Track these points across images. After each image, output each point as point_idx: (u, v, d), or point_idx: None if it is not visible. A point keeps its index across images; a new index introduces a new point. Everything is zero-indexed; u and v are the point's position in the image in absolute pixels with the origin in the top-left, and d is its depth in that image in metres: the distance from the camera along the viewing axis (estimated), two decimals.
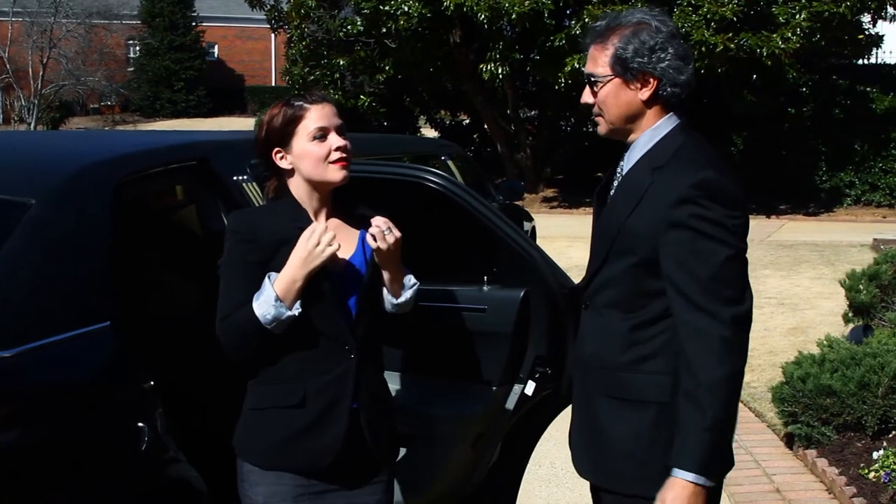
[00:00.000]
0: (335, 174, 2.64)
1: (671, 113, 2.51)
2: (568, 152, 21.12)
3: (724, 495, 2.74)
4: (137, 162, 3.35)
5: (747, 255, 2.43)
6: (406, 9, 17.23)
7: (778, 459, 5.51)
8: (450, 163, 8.41)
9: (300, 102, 2.64)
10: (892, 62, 20.80)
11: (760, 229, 14.59)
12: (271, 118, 2.65)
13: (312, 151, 2.62)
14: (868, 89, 18.93)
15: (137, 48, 40.64)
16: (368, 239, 2.63)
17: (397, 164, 3.49)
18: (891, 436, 5.24)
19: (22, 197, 2.87)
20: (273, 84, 41.52)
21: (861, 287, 7.32)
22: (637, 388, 2.46)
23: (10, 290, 2.65)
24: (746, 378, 7.00)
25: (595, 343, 2.56)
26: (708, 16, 15.98)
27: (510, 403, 3.43)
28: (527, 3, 16.24)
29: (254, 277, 2.56)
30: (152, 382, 2.89)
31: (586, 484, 2.70)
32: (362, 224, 2.72)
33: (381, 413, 2.74)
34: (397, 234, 2.64)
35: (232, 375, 2.78)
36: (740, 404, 6.30)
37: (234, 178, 3.55)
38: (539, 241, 7.69)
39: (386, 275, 2.70)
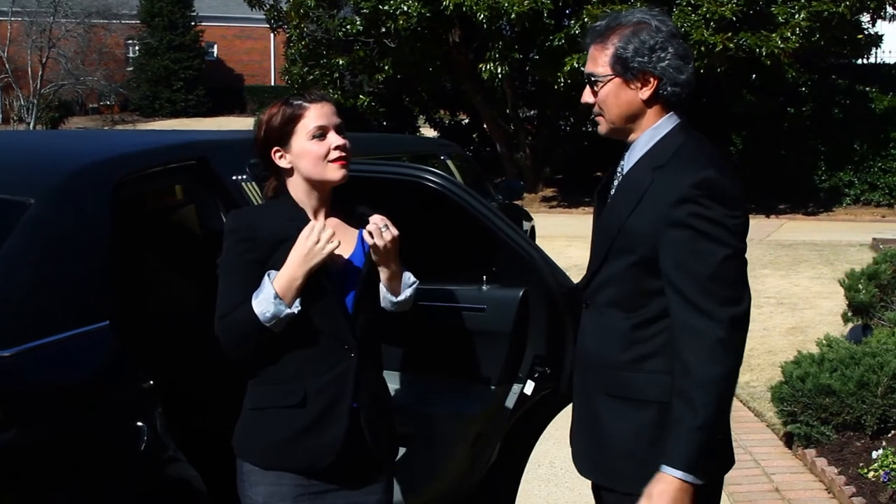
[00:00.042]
0: (334, 173, 2.64)
1: (671, 112, 2.51)
2: (567, 152, 21.13)
3: (723, 494, 2.74)
4: (137, 161, 3.35)
5: (747, 255, 2.43)
6: (405, 8, 17.23)
7: (777, 459, 5.51)
8: (449, 162, 8.42)
9: (299, 101, 2.64)
10: (892, 62, 20.80)
11: (760, 229, 14.59)
12: (270, 117, 2.65)
13: (311, 150, 2.62)
14: (867, 89, 18.94)
15: (136, 48, 40.63)
16: (365, 235, 2.64)
17: (397, 164, 3.49)
18: (890, 435, 5.24)
19: (21, 196, 2.87)
20: (272, 84, 41.51)
21: (860, 286, 7.32)
22: (638, 387, 2.46)
23: (10, 289, 2.65)
24: (746, 377, 7.07)
25: (595, 342, 2.56)
26: (707, 15, 15.98)
27: (509, 403, 3.43)
28: (526, 2, 16.24)
29: (253, 276, 2.56)
30: (151, 382, 2.88)
31: (586, 483, 2.70)
32: (361, 223, 2.72)
33: (381, 412, 2.74)
34: (394, 231, 2.64)
35: (231, 375, 2.78)
36: (740, 404, 6.38)
37: (234, 177, 3.54)
38: (538, 241, 7.70)
39: (384, 273, 2.70)
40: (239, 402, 2.70)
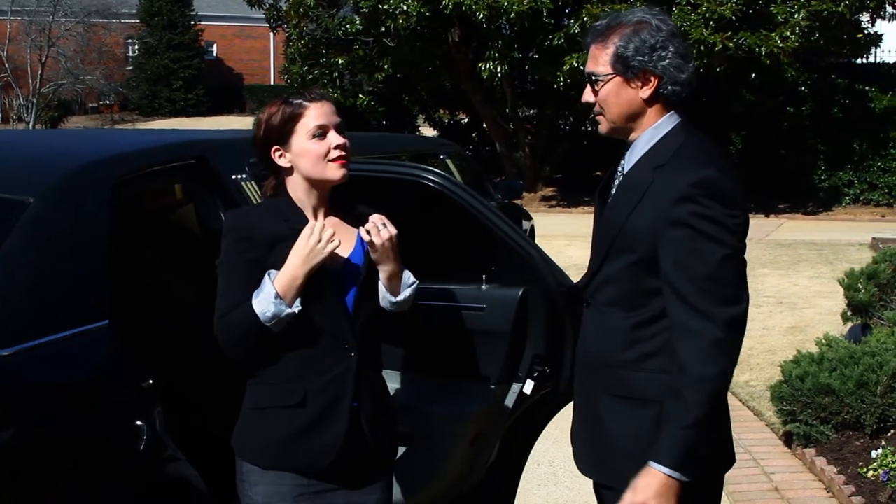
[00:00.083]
0: (334, 172, 2.64)
1: (672, 111, 2.51)
2: (567, 151, 21.13)
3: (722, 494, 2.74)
4: (136, 160, 3.35)
5: (746, 255, 2.43)
6: (405, 7, 17.24)
7: (776, 458, 5.51)
8: (448, 162, 8.42)
9: (299, 100, 2.64)
10: (891, 61, 20.80)
11: (759, 228, 14.59)
12: (270, 116, 2.64)
13: (312, 149, 2.62)
14: (867, 88, 18.94)
15: (136, 47, 40.61)
16: (362, 233, 2.63)
17: (396, 163, 3.48)
18: (889, 434, 5.24)
19: (20, 195, 2.86)
20: (272, 83, 41.50)
21: (860, 286, 7.32)
22: (639, 386, 2.46)
23: (9, 288, 2.65)
24: (745, 377, 7.07)
25: (596, 341, 2.57)
26: (707, 15, 15.99)
27: (509, 402, 3.43)
28: (525, 2, 16.25)
29: (252, 275, 2.56)
30: (151, 381, 2.88)
31: (585, 482, 2.70)
32: (361, 222, 2.72)
33: (381, 412, 2.74)
34: (392, 230, 2.64)
35: (231, 374, 2.78)
36: (739, 403, 6.38)
37: (233, 176, 3.54)
38: (538, 240, 7.70)
39: (383, 272, 2.70)
40: (238, 401, 2.69)
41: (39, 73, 34.20)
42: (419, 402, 3.41)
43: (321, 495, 2.65)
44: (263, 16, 21.97)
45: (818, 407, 5.32)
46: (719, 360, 2.32)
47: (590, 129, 20.54)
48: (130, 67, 40.55)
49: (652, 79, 2.46)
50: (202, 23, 40.62)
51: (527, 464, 3.69)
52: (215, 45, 43.57)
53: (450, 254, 3.42)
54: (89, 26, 36.06)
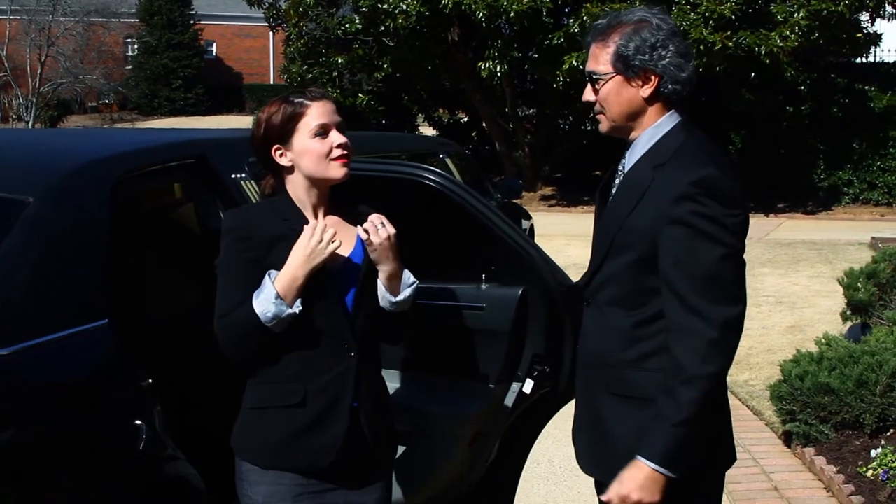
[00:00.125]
0: (337, 171, 2.64)
1: (672, 110, 2.52)
2: (566, 150, 21.13)
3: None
4: (135, 160, 3.35)
5: (745, 254, 2.43)
6: (404, 7, 17.24)
7: (776, 457, 5.51)
8: (448, 161, 8.41)
9: (300, 99, 2.63)
10: (891, 60, 20.80)
11: (759, 227, 14.60)
12: (270, 115, 2.63)
13: (314, 148, 2.61)
14: (866, 88, 18.94)
15: (135, 46, 40.59)
16: (360, 233, 2.63)
17: (395, 162, 3.48)
18: (889, 434, 5.24)
19: (20, 195, 2.86)
20: (271, 82, 41.49)
21: (859, 285, 7.32)
22: (639, 385, 2.46)
23: (8, 287, 2.65)
24: (745, 376, 7.07)
25: (597, 340, 2.57)
26: (706, 14, 15.99)
27: (508, 401, 3.43)
28: (525, 1, 16.25)
29: (251, 275, 2.55)
30: (150, 380, 2.88)
31: (585, 481, 2.70)
32: (360, 222, 2.71)
33: (381, 412, 2.74)
34: (391, 229, 2.63)
35: (230, 374, 2.77)
36: (738, 402, 6.38)
37: (233, 176, 3.54)
38: (537, 240, 7.70)
39: (383, 272, 2.69)
40: (238, 400, 2.69)
41: (39, 72, 34.19)
42: (419, 401, 3.41)
43: (321, 495, 2.65)
44: (263, 15, 21.96)
45: (817, 406, 5.32)
46: (714, 360, 2.33)
47: (589, 128, 20.55)
48: (130, 67, 40.54)
49: (652, 78, 2.46)
50: (201, 22, 40.59)
51: (526, 463, 3.69)
52: (215, 45, 43.56)
53: (449, 253, 3.42)
54: (89, 25, 36.05)
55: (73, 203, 2.94)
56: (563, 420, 3.28)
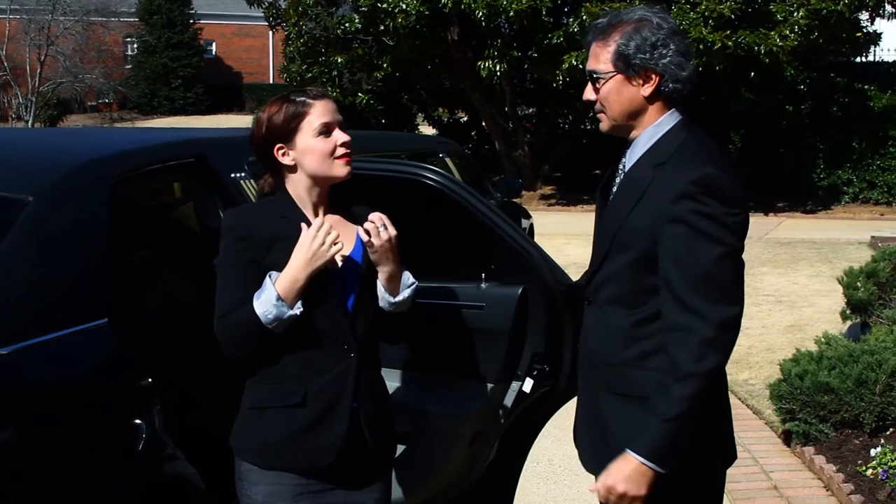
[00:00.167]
0: (340, 169, 2.64)
1: (673, 109, 2.52)
2: (566, 150, 21.13)
3: None
4: (135, 159, 3.35)
5: (745, 253, 2.43)
6: (404, 6, 17.23)
7: (775, 456, 5.51)
8: (448, 160, 8.41)
9: (303, 98, 2.63)
10: (890, 60, 20.79)
11: (758, 227, 14.60)
12: (272, 115, 2.62)
13: (318, 147, 2.61)
14: (866, 87, 18.94)
15: (135, 45, 40.59)
16: (361, 234, 2.62)
17: (395, 162, 3.48)
18: (888, 433, 5.24)
19: (19, 194, 2.86)
20: (271, 81, 41.50)
21: (859, 284, 7.33)
22: (639, 384, 2.47)
23: (8, 286, 2.64)
24: (744, 375, 7.07)
25: (598, 339, 2.57)
26: (706, 13, 15.99)
27: (508, 401, 3.43)
28: (524, 0, 16.24)
29: (251, 275, 2.55)
30: (150, 379, 2.88)
31: (584, 480, 2.71)
32: (360, 221, 2.71)
33: (381, 412, 2.74)
34: (392, 231, 2.63)
35: (230, 373, 2.78)
36: (738, 402, 6.38)
37: (232, 175, 3.54)
38: (537, 239, 7.70)
39: (382, 273, 2.69)
40: (237, 400, 2.69)
41: (38, 71, 34.21)
42: (419, 400, 3.41)
43: (320, 494, 2.65)
44: (262, 14, 21.93)
45: (817, 405, 5.32)
46: (708, 359, 2.33)
47: (589, 127, 20.56)
48: (129, 66, 40.54)
49: (653, 76, 2.46)
50: (201, 21, 40.61)
51: (526, 462, 3.69)
52: (214, 44, 43.56)
53: (449, 252, 3.42)
54: (88, 25, 36.06)
55: (73, 202, 2.93)
56: (563, 419, 3.28)
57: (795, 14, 16.26)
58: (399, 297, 2.72)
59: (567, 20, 17.57)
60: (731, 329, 2.37)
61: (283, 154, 2.63)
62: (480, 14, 16.52)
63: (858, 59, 20.28)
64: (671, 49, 2.45)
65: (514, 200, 11.26)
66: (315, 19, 19.32)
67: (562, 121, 21.70)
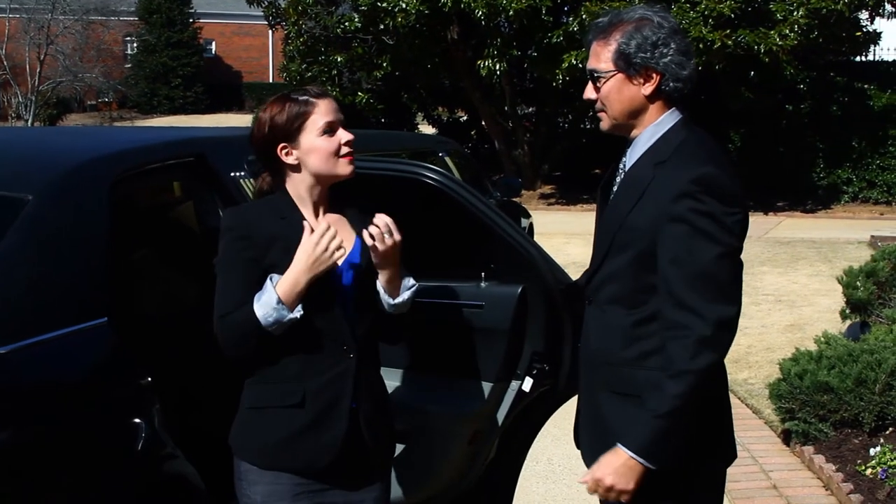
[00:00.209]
0: (345, 168, 2.64)
1: (673, 108, 2.52)
2: (565, 149, 21.13)
3: None
4: (135, 158, 3.34)
5: (745, 253, 2.43)
6: (403, 5, 17.22)
7: (775, 456, 5.51)
8: (447, 159, 8.40)
9: (305, 97, 2.62)
10: (890, 59, 20.78)
11: (758, 226, 14.58)
12: (275, 114, 2.61)
13: (322, 146, 2.60)
14: (866, 86, 18.93)
15: (135, 45, 40.57)
16: (366, 237, 2.61)
17: (395, 161, 3.48)
18: (888, 432, 5.24)
19: (19, 193, 2.86)
20: (271, 80, 41.47)
21: (858, 284, 7.33)
22: (640, 383, 2.47)
23: (7, 285, 2.64)
24: (744, 374, 7.07)
25: (598, 339, 2.57)
26: (706, 12, 15.98)
27: (507, 400, 3.43)
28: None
29: (250, 274, 2.55)
30: (149, 379, 2.88)
31: None
32: (359, 220, 2.71)
33: (380, 412, 2.74)
34: (397, 236, 2.62)
35: (229, 372, 2.77)
36: (738, 401, 6.38)
37: (232, 174, 3.54)
38: (536, 238, 7.70)
39: (383, 275, 2.68)
40: (237, 399, 2.69)
41: (38, 70, 34.21)
42: (418, 399, 3.41)
43: (319, 494, 2.65)
44: (262, 13, 21.92)
45: (817, 405, 5.32)
46: (703, 357, 2.33)
47: (588, 126, 20.55)
48: (129, 65, 40.53)
49: (654, 76, 2.46)
50: (201, 20, 40.60)
51: (525, 461, 3.69)
52: (214, 43, 43.55)
53: (449, 251, 3.42)
54: (88, 24, 36.07)
55: (73, 201, 2.93)
56: (563, 418, 3.28)
57: (795, 13, 16.25)
58: (399, 300, 2.71)
59: (567, 19, 17.57)
60: (728, 328, 2.37)
61: (287, 153, 2.62)
62: (480, 13, 16.52)
63: (858, 59, 20.27)
64: (672, 48, 2.45)
65: (514, 200, 11.25)
66: (315, 18, 19.32)
67: (561, 120, 21.70)
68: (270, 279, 2.52)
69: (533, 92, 21.44)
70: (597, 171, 20.36)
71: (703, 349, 2.32)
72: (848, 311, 7.45)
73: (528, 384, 3.39)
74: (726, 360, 2.59)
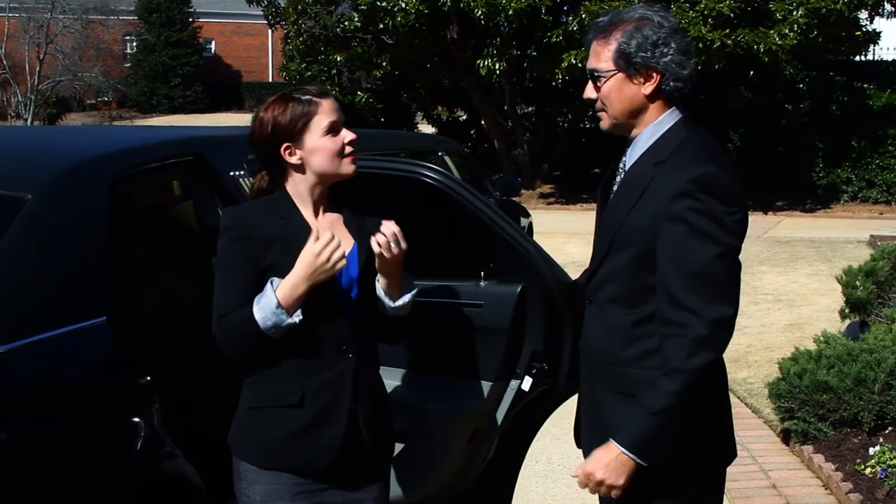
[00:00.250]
0: (348, 168, 2.64)
1: (673, 108, 2.52)
2: (565, 148, 21.13)
3: None
4: (134, 157, 3.34)
5: (744, 252, 2.43)
6: (403, 5, 17.22)
7: (774, 455, 5.51)
8: (447, 159, 8.40)
9: (308, 97, 2.61)
10: (889, 58, 20.79)
11: (757, 225, 14.58)
12: (278, 114, 2.59)
13: (327, 146, 2.60)
14: (865, 86, 18.93)
15: (134, 44, 40.58)
16: (373, 245, 2.60)
17: (394, 160, 3.48)
18: (887, 431, 5.24)
19: (18, 192, 2.86)
20: (270, 80, 41.47)
21: (857, 283, 7.33)
22: (640, 383, 2.46)
23: (6, 284, 2.64)
24: (743, 374, 7.07)
25: (598, 338, 2.57)
26: (705, 12, 15.98)
27: (507, 399, 3.43)
28: None
29: (250, 274, 2.55)
30: (148, 378, 2.88)
31: None
32: (358, 219, 2.71)
33: (379, 412, 2.73)
34: (404, 245, 2.61)
35: (229, 371, 2.77)
36: (737, 400, 6.38)
37: (231, 173, 3.54)
38: (536, 237, 7.70)
39: (385, 279, 2.67)
40: (236, 399, 2.69)
41: (37, 69, 34.20)
42: (417, 399, 3.41)
43: (318, 494, 2.65)
44: (261, 13, 21.92)
45: (816, 404, 5.32)
46: (699, 356, 2.33)
47: (588, 126, 20.56)
48: (128, 64, 40.54)
49: (654, 75, 2.46)
50: (200, 20, 40.59)
51: (525, 461, 3.69)
52: (213, 42, 43.54)
53: (448, 250, 3.42)
54: (87, 23, 36.06)
55: (72, 200, 2.93)
56: (562, 418, 3.28)
57: (795, 13, 16.25)
58: (399, 303, 2.71)
59: (566, 19, 17.58)
60: (725, 328, 2.37)
61: (290, 153, 2.61)
62: (479, 13, 16.52)
63: (857, 58, 20.28)
64: (672, 48, 2.45)
65: (514, 199, 11.26)
66: (314, 18, 19.32)
67: (561, 119, 21.70)
68: (271, 283, 2.51)
69: (532, 91, 21.44)
70: (596, 170, 20.37)
71: (699, 348, 2.32)
72: (847, 311, 7.45)
73: (527, 383, 3.39)
74: (726, 360, 2.60)
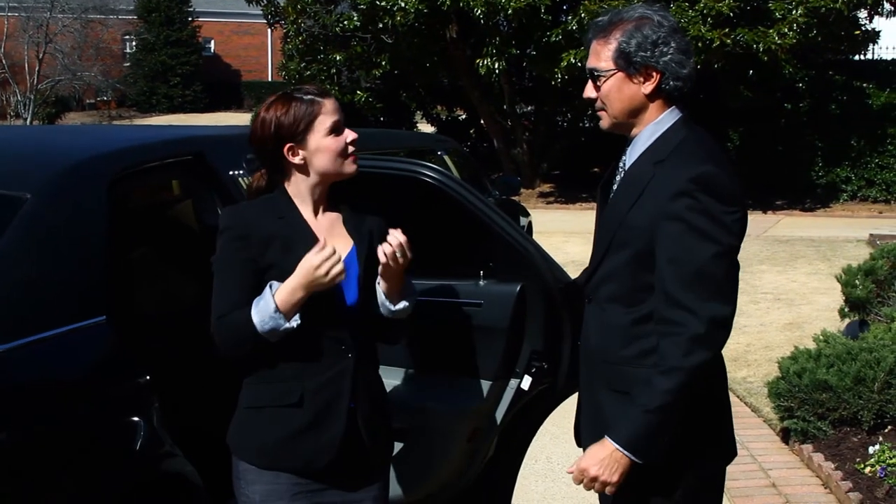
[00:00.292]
0: (350, 167, 2.64)
1: (673, 107, 2.52)
2: (564, 147, 21.14)
3: None
4: (133, 157, 3.34)
5: (743, 251, 2.43)
6: (402, 4, 17.22)
7: (774, 454, 5.51)
8: (446, 158, 8.40)
9: (311, 97, 2.60)
10: (889, 58, 20.79)
11: (757, 224, 14.58)
12: (280, 114, 2.58)
13: (331, 146, 2.59)
14: (864, 85, 18.93)
15: (134, 43, 40.56)
16: (380, 253, 2.59)
17: (394, 159, 3.48)
18: (886, 430, 5.25)
19: (18, 191, 2.86)
20: (269, 79, 41.46)
21: (857, 282, 7.33)
22: (639, 382, 2.46)
23: (5, 284, 2.64)
24: (743, 373, 7.07)
25: (598, 337, 2.58)
26: (704, 11, 15.98)
27: (506, 398, 3.43)
28: None
29: (248, 274, 2.54)
30: (148, 377, 2.88)
31: None
32: (357, 219, 2.71)
33: (378, 412, 2.73)
34: (409, 255, 2.61)
35: (228, 371, 2.77)
36: (737, 399, 6.39)
37: (231, 172, 3.54)
38: (535, 237, 7.70)
39: (386, 284, 2.67)
40: (235, 398, 2.69)
41: (37, 69, 34.20)
42: (417, 398, 3.41)
43: (318, 493, 2.64)
44: (261, 12, 21.92)
45: (815, 403, 5.32)
46: (696, 355, 2.33)
47: (587, 125, 20.55)
48: (128, 64, 40.52)
49: (654, 74, 2.46)
50: (200, 19, 40.58)
51: (524, 460, 3.69)
52: (213, 42, 43.53)
53: (447, 250, 3.42)
54: (87, 22, 36.05)
55: (71, 199, 2.93)
56: (561, 417, 3.28)
57: (794, 12, 16.25)
58: (399, 306, 2.70)
59: (566, 18, 17.56)
60: (722, 327, 2.37)
61: (293, 153, 2.60)
62: (479, 12, 16.52)
63: (857, 57, 20.29)
64: (672, 47, 2.45)
65: (513, 198, 11.25)
66: (314, 17, 19.32)
67: (560, 119, 21.70)
68: (270, 287, 2.51)
69: (532, 90, 21.43)
70: (596, 169, 20.37)
71: (696, 347, 2.33)
72: (847, 310, 7.46)
73: (526, 382, 3.39)
74: (725, 359, 2.60)
